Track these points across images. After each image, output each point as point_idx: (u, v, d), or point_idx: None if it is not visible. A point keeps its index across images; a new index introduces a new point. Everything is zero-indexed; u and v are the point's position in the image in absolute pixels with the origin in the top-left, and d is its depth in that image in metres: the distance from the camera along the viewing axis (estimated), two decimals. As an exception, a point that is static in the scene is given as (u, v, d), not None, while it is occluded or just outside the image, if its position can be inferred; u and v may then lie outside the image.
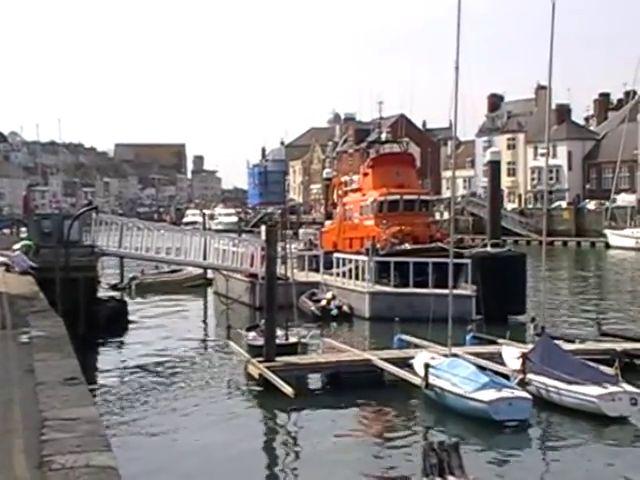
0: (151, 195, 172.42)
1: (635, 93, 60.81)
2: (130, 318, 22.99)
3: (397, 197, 29.07)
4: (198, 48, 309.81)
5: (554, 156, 71.29)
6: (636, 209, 54.84)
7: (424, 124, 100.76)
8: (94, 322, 20.31)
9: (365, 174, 32.04)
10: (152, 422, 12.88)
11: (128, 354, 19.16)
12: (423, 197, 30.51)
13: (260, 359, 15.03)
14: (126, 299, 25.75)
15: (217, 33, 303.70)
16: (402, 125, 48.43)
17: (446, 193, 78.55)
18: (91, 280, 21.90)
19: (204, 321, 25.97)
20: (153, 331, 22.29)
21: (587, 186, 76.87)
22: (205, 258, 26.01)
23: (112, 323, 21.23)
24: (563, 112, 77.01)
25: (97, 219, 24.29)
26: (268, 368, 14.47)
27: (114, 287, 30.48)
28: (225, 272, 27.37)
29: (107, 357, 18.85)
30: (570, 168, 78.40)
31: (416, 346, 16.49)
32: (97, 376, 16.39)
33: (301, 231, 36.75)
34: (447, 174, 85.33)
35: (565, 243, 59.03)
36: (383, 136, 36.35)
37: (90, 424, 4.33)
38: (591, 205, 65.32)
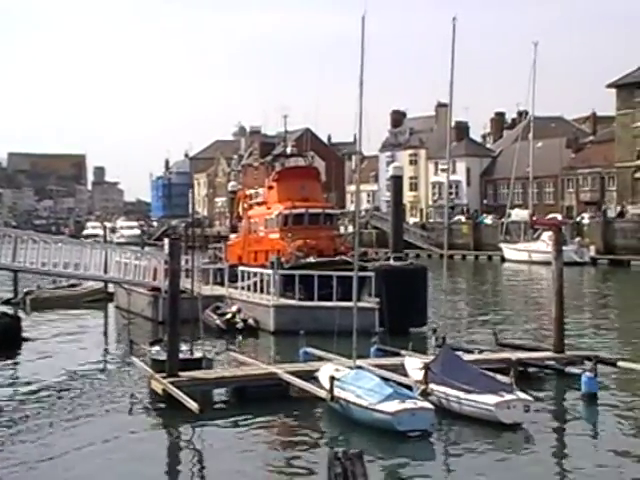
0: (49, 207, 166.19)
1: (527, 113, 63.84)
2: (24, 335, 21.97)
3: (302, 211, 29.28)
4: (100, 55, 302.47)
5: (453, 172, 73.78)
6: (528, 224, 57.44)
7: (329, 138, 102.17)
8: (-16, 339, 19.38)
9: (270, 187, 32.10)
10: (46, 444, 12.33)
11: (22, 373, 18.28)
12: (328, 211, 30.86)
13: (164, 374, 14.74)
14: (20, 315, 24.68)
15: (120, 42, 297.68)
16: (307, 139, 48.84)
17: (350, 207, 79.74)
18: (-18, 295, 20.88)
19: (105, 336, 25.17)
20: (49, 348, 21.40)
21: (484, 201, 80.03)
22: (106, 272, 25.33)
23: (4, 340, 20.24)
24: (462, 130, 80.00)
25: (-11, 231, 23.23)
26: (172, 383, 14.20)
27: (7, 302, 29.20)
28: (127, 286, 26.72)
29: (-1, 376, 17.94)
30: (469, 184, 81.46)
31: (321, 359, 16.60)
32: (-12, 396, 15.56)
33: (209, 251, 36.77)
34: (351, 188, 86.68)
35: (464, 257, 61.11)
36: (288, 150, 36.55)
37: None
38: (488, 220, 67.95)
